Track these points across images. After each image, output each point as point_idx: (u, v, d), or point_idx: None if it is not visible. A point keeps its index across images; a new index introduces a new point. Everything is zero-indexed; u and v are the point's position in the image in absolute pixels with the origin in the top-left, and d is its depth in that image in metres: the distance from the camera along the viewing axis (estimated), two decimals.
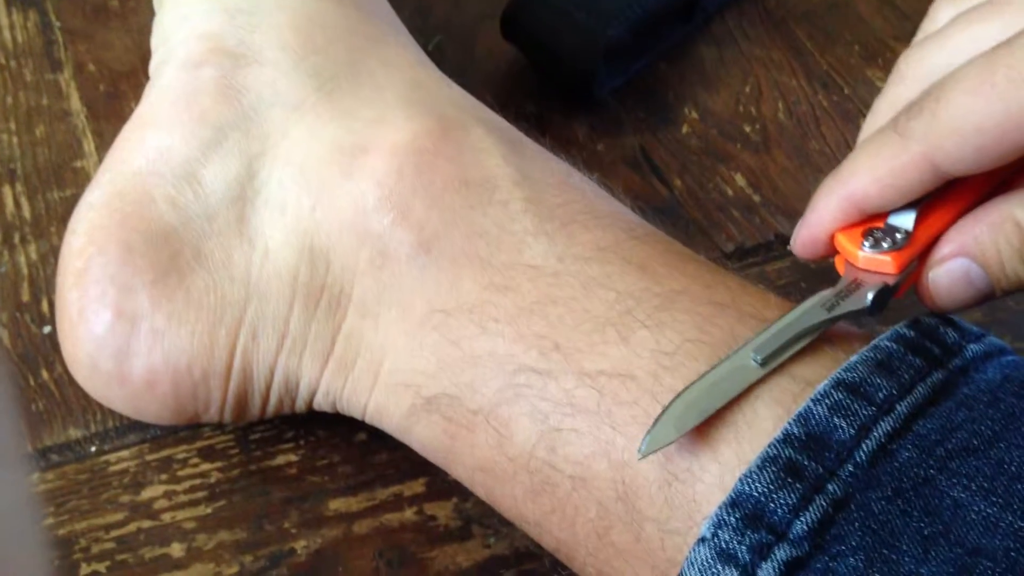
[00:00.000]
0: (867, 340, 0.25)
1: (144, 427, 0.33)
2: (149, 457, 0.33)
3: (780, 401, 0.24)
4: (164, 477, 0.32)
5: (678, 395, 0.24)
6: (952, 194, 0.26)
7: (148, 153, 0.31)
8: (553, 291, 0.28)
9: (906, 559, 0.22)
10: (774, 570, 0.22)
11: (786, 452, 0.23)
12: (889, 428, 0.23)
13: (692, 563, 0.23)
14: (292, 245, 0.30)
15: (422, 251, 0.29)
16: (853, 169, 0.26)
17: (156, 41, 0.34)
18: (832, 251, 0.27)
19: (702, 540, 0.23)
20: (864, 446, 0.23)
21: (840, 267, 0.27)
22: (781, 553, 0.22)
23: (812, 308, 0.25)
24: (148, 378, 0.30)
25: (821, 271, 0.38)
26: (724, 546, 0.23)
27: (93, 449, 0.33)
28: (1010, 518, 0.22)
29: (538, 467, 0.27)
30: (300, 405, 0.32)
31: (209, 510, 0.32)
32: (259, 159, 0.31)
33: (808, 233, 0.27)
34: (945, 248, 0.26)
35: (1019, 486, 0.22)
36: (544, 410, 0.26)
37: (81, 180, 0.38)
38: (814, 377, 0.24)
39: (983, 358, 0.25)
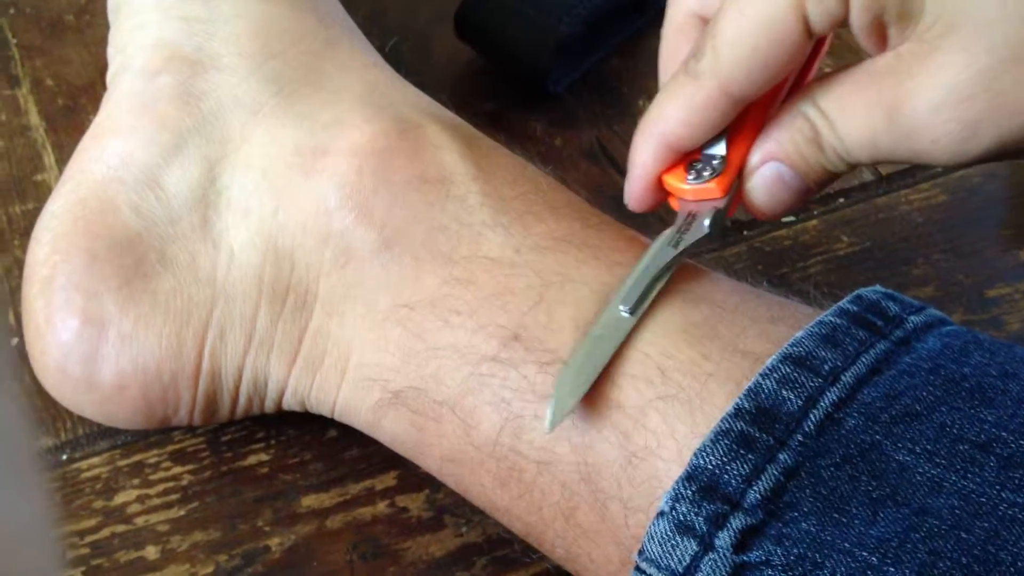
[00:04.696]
0: (813, 317, 0.26)
1: (115, 433, 0.33)
2: (121, 463, 0.33)
3: (732, 377, 0.25)
4: (136, 482, 0.32)
5: (565, 364, 0.26)
6: (750, 111, 0.28)
7: (109, 160, 0.32)
8: (511, 282, 0.28)
9: (856, 521, 0.23)
10: (730, 538, 0.23)
11: (738, 425, 0.24)
12: (835, 398, 0.24)
13: (652, 536, 0.24)
14: (257, 247, 0.31)
15: (384, 248, 0.30)
16: (661, 116, 0.28)
17: (113, 51, 0.34)
18: (663, 196, 0.29)
19: (661, 514, 0.24)
20: (812, 416, 0.24)
21: (674, 205, 0.29)
22: (736, 522, 0.23)
23: (661, 249, 0.27)
24: (117, 382, 0.31)
25: (776, 253, 0.39)
26: (682, 518, 0.24)
27: (64, 457, 0.33)
28: (953, 478, 0.23)
29: (504, 454, 0.27)
30: (269, 405, 0.32)
31: (182, 512, 0.32)
32: (220, 163, 0.31)
33: (638, 185, 0.29)
34: (754, 157, 0.28)
35: (961, 447, 0.23)
36: (507, 398, 0.27)
37: (42, 193, 0.39)
38: (764, 353, 0.25)
39: (924, 328, 0.26)
